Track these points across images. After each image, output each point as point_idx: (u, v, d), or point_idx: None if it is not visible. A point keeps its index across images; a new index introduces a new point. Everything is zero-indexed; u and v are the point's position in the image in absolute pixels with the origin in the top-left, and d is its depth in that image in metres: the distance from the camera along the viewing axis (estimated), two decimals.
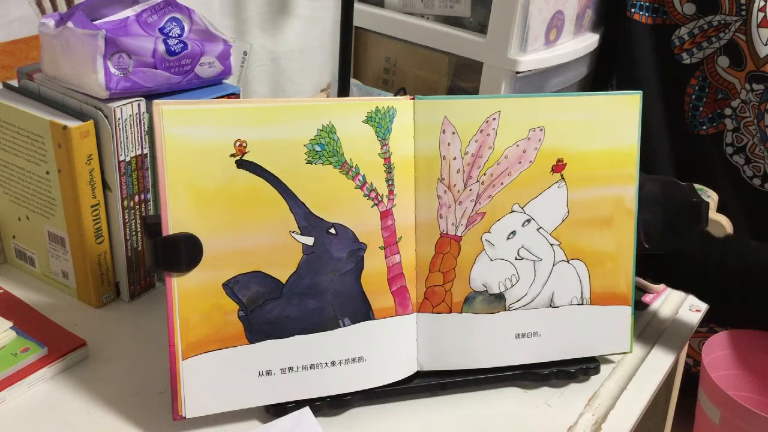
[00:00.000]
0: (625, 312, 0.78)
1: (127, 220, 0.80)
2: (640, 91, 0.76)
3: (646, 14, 1.34)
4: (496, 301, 0.74)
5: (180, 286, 0.64)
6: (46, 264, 0.85)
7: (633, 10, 1.33)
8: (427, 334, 0.73)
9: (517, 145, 0.72)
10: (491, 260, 0.74)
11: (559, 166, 0.74)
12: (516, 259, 0.74)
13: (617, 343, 0.79)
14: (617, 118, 0.75)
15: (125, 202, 0.80)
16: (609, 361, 0.80)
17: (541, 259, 0.75)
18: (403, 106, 0.70)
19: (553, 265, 0.76)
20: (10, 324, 0.75)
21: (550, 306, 0.76)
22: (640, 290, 0.94)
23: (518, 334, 0.75)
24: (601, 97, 0.76)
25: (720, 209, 1.07)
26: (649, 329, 0.88)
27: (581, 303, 0.77)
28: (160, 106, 0.62)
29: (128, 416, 0.69)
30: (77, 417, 0.68)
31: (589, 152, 0.75)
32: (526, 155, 0.73)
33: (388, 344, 0.72)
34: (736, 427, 1.34)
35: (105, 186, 0.79)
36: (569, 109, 0.74)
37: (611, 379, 0.79)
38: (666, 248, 0.79)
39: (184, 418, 0.66)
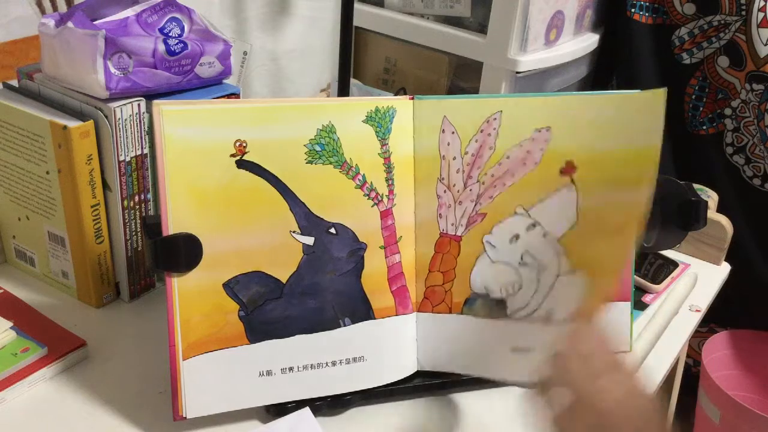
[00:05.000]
0: (625, 308, 0.77)
1: (127, 220, 0.80)
2: (665, 88, 0.70)
3: (646, 14, 1.34)
4: (497, 307, 0.74)
5: (180, 286, 0.64)
6: (46, 264, 0.85)
7: (633, 10, 1.33)
8: (427, 333, 0.73)
9: (521, 146, 0.71)
10: (492, 262, 0.73)
11: (568, 169, 0.71)
12: (519, 264, 0.73)
13: (617, 342, 0.78)
14: (637, 118, 0.71)
15: (125, 202, 0.80)
16: None
17: (546, 268, 0.73)
18: (402, 105, 0.70)
19: (557, 277, 0.73)
20: (10, 324, 0.75)
21: (549, 322, 0.75)
22: (640, 290, 0.94)
23: (515, 348, 0.73)
24: (619, 96, 0.73)
25: (720, 209, 1.07)
26: (649, 329, 0.87)
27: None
28: (160, 106, 0.62)
29: (128, 416, 0.69)
30: (77, 417, 0.68)
31: (603, 154, 0.71)
32: (530, 156, 0.71)
33: (388, 344, 0.72)
34: (736, 427, 1.34)
35: (105, 186, 0.79)
36: (581, 109, 0.71)
37: None
38: (664, 247, 0.78)
39: (185, 418, 0.66)
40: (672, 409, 1.12)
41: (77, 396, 0.71)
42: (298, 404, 0.69)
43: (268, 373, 0.68)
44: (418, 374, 0.74)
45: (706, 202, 0.80)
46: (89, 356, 0.76)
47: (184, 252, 0.64)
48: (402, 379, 0.73)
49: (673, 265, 0.99)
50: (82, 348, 0.75)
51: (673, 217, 0.80)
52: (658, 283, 0.94)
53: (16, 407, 0.69)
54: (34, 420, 0.68)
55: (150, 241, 0.64)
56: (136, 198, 0.81)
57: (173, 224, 0.63)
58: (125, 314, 0.83)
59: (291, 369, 0.68)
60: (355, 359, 0.70)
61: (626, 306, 0.77)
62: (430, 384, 0.74)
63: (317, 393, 0.70)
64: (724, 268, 1.03)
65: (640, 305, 0.91)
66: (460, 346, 0.74)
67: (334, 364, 0.70)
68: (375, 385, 0.71)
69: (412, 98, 0.71)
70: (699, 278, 0.99)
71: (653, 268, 0.98)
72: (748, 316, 1.47)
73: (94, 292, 0.82)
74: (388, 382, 0.72)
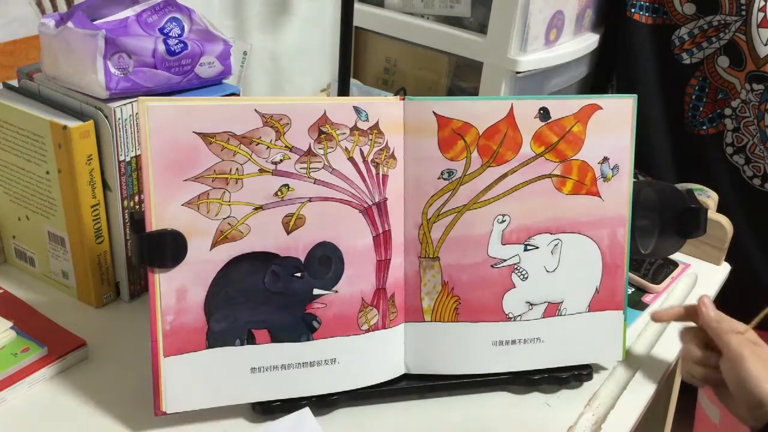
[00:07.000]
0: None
1: (127, 220, 0.80)
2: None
3: (646, 14, 1.34)
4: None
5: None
6: (46, 264, 0.85)
7: (633, 10, 1.33)
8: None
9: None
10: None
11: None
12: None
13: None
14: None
15: (125, 202, 0.80)
16: (606, 366, 0.80)
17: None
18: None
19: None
20: (10, 324, 0.75)
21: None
22: (640, 290, 0.94)
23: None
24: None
25: (720, 209, 1.07)
26: (649, 329, 0.88)
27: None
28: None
29: (128, 416, 0.69)
30: (77, 417, 0.68)
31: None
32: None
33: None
34: (736, 427, 1.34)
35: (105, 186, 0.79)
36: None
37: (611, 379, 0.78)
38: (663, 255, 0.77)
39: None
40: (672, 409, 1.12)
41: (77, 396, 0.71)
42: (284, 402, 0.69)
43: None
44: (407, 376, 0.73)
45: (707, 210, 0.79)
46: (89, 356, 0.76)
47: (170, 248, 0.63)
48: (390, 380, 0.72)
49: (673, 265, 0.99)
50: (82, 348, 0.75)
51: (672, 225, 0.79)
52: (658, 283, 0.94)
53: (16, 407, 0.69)
54: (34, 420, 0.68)
55: (135, 236, 0.63)
56: (136, 198, 0.81)
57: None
58: (125, 314, 0.83)
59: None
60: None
61: (619, 315, 0.77)
62: (418, 386, 0.73)
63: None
64: (724, 268, 1.03)
65: (640, 305, 0.91)
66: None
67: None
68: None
69: (403, 98, 0.70)
70: (699, 278, 0.99)
71: (653, 268, 0.98)
72: (748, 315, 1.47)
73: (94, 292, 0.82)
74: (370, 384, 0.71)
